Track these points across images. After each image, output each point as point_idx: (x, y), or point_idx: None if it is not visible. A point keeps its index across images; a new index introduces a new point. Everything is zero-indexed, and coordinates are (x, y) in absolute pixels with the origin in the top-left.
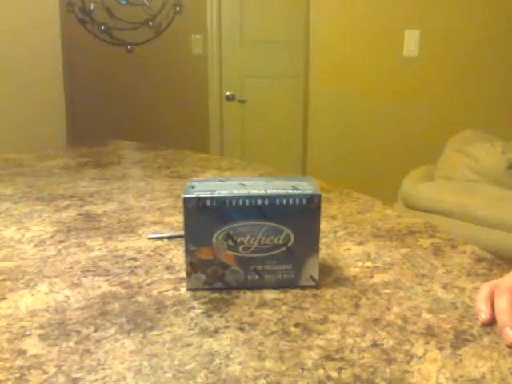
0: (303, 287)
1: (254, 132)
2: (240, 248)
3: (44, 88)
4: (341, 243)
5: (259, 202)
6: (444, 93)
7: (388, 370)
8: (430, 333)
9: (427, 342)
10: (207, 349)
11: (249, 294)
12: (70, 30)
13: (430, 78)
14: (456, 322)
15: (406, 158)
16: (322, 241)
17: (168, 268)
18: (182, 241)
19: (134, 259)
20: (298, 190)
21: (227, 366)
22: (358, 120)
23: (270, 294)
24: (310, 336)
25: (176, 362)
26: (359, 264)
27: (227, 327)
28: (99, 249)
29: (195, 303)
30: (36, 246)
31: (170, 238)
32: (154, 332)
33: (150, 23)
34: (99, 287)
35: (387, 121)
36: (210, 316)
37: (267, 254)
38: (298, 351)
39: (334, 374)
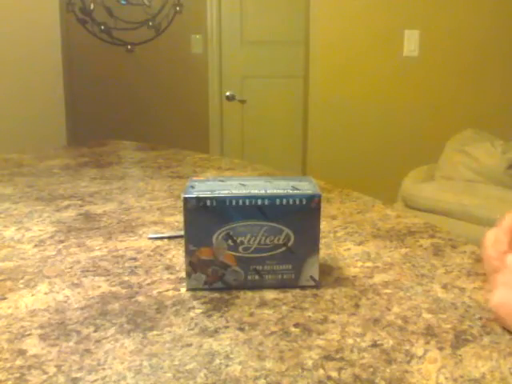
0: (303, 287)
1: (254, 132)
2: (240, 248)
3: (44, 88)
4: (341, 243)
5: (259, 201)
6: (444, 93)
7: (388, 370)
8: (430, 333)
9: (427, 342)
10: (207, 349)
11: (249, 293)
12: (70, 30)
13: (430, 78)
14: (456, 322)
15: (406, 158)
16: (322, 241)
17: (168, 268)
18: (182, 241)
19: (134, 259)
20: (298, 190)
21: (227, 365)
22: (358, 120)
23: (270, 294)
24: (310, 336)
25: (176, 362)
26: (359, 264)
27: (227, 327)
28: (99, 249)
29: (195, 303)
30: (36, 245)
31: (169, 237)
32: (154, 332)
33: (150, 23)
34: (99, 287)
35: (387, 121)
36: (210, 316)
37: (267, 253)
38: (297, 351)
39: (334, 374)
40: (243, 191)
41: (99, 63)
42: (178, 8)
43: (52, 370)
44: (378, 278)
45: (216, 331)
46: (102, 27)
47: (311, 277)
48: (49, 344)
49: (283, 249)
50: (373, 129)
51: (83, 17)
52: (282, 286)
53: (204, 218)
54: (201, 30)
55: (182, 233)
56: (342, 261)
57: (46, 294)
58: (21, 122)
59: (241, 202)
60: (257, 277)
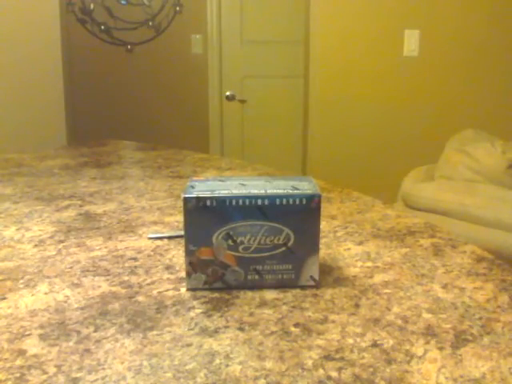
0: (303, 287)
1: (254, 132)
2: (240, 248)
3: (44, 88)
4: (341, 243)
5: (259, 201)
6: (444, 93)
7: (388, 370)
8: (430, 333)
9: (427, 342)
10: (207, 349)
11: (249, 293)
12: (70, 30)
13: (430, 78)
14: (456, 322)
15: (406, 158)
16: (322, 241)
17: (168, 268)
18: (182, 241)
19: (134, 259)
20: (298, 189)
21: (227, 365)
22: (358, 120)
23: (270, 294)
24: (309, 336)
25: (176, 362)
26: (359, 264)
27: (227, 327)
28: (99, 249)
29: (195, 303)
30: (36, 245)
31: (170, 237)
32: (154, 332)
33: (150, 23)
34: (99, 287)
35: (387, 121)
36: (210, 316)
37: (267, 253)
38: (297, 351)
39: (334, 374)
40: (243, 191)
41: (99, 63)
42: (177, 8)
43: (52, 369)
44: (378, 278)
45: (216, 331)
46: (102, 27)
47: (311, 277)
48: (49, 344)
49: (283, 249)
50: (373, 129)
51: (83, 17)
52: (281, 285)
53: (204, 218)
54: (201, 30)
55: (182, 233)
56: (341, 261)
57: (46, 293)
58: (21, 122)
59: (241, 201)
60: (257, 277)
